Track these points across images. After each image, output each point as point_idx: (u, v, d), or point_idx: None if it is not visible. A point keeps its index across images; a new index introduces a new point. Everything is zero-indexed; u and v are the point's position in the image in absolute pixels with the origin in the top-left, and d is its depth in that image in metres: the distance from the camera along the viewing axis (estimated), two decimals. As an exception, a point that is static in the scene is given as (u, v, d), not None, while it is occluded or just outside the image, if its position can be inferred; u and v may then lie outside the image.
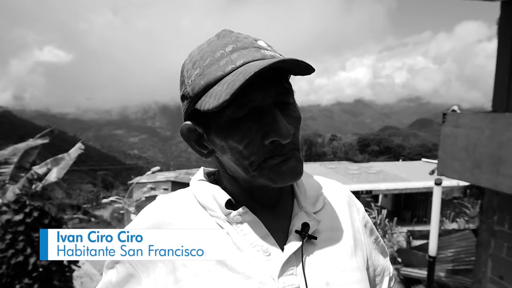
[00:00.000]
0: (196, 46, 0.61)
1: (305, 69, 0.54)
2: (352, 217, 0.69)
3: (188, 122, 0.59)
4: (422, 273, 6.65)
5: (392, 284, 0.77)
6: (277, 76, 0.54)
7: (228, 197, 0.59)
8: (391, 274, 0.77)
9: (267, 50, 0.55)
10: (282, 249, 0.58)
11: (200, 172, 0.68)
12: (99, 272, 9.50)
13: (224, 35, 0.57)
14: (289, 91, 0.57)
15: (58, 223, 5.48)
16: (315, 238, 0.60)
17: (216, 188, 0.62)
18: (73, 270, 5.78)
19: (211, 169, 0.71)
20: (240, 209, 0.58)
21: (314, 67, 0.56)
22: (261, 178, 0.56)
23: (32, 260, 4.96)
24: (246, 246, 0.57)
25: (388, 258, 0.77)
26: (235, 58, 0.53)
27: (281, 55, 0.56)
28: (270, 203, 0.63)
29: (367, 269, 0.68)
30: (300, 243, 0.58)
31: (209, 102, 0.51)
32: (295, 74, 0.58)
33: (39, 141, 6.03)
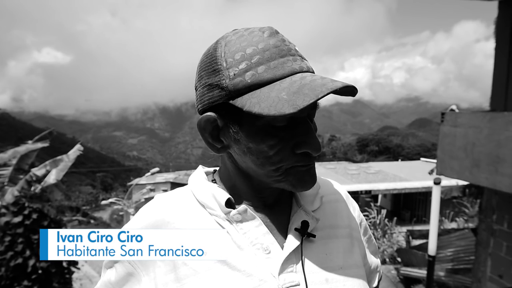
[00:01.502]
0: (231, 31, 0.57)
1: (347, 93, 0.54)
2: (349, 215, 0.70)
3: (213, 114, 0.56)
4: (421, 272, 6.65)
5: (380, 277, 0.79)
6: None
7: (227, 196, 0.59)
8: (378, 269, 0.79)
9: (307, 61, 0.56)
10: (282, 247, 0.58)
11: (198, 171, 0.68)
12: (99, 274, 9.44)
13: (271, 34, 0.55)
14: (317, 107, 0.58)
15: (57, 225, 5.46)
16: (314, 236, 0.60)
17: (216, 187, 0.61)
18: (73, 272, 5.75)
19: (209, 168, 0.70)
20: (240, 208, 0.58)
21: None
22: (283, 183, 0.57)
23: (31, 262, 4.93)
24: (246, 244, 0.57)
25: (378, 256, 0.79)
26: (285, 63, 0.52)
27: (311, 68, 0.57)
28: (272, 202, 0.63)
29: (364, 265, 0.70)
30: (300, 241, 0.58)
31: (260, 106, 0.49)
32: (336, 94, 0.57)
33: (39, 144, 6.01)
